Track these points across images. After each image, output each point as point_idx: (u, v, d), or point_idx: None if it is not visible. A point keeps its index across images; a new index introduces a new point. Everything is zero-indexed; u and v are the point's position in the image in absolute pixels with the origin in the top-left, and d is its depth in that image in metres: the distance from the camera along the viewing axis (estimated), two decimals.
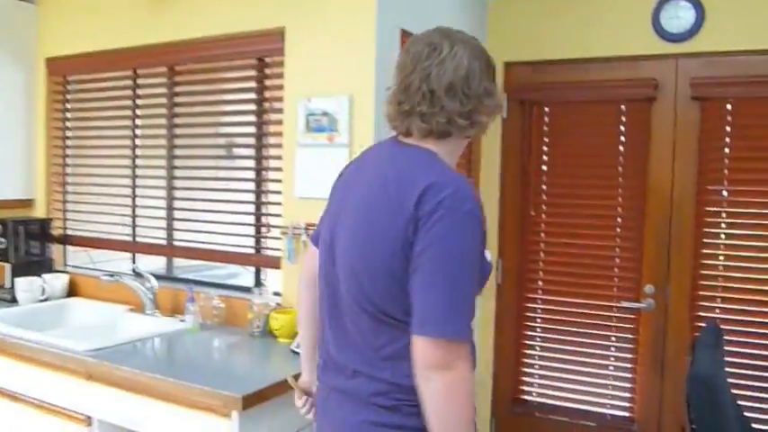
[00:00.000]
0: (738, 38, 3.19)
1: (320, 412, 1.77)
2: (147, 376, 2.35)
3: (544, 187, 3.69)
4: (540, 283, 3.71)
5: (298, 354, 2.38)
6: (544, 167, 3.68)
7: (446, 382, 1.43)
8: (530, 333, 3.75)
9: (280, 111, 3.00)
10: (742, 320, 3.29)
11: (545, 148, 3.67)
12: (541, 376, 3.72)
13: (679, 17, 3.27)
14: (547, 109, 3.65)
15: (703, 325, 3.26)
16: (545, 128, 3.67)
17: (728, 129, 3.30)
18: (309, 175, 2.85)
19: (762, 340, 3.26)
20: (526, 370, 3.78)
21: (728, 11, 3.19)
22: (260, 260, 3.21)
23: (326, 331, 1.72)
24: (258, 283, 3.25)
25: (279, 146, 3.01)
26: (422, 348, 1.45)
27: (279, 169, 3.02)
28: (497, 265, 3.78)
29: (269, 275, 3.23)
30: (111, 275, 3.31)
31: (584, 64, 3.50)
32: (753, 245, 3.26)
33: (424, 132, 1.61)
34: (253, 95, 3.20)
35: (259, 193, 3.22)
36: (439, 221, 1.45)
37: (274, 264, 3.09)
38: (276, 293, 3.04)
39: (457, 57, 1.57)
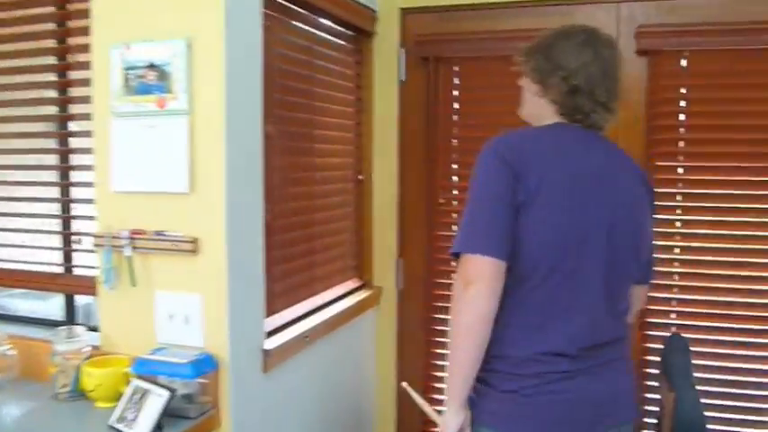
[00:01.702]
0: None
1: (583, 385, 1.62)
2: None
3: (455, 167, 2.91)
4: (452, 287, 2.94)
5: None
6: (455, 142, 2.90)
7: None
8: (440, 351, 2.99)
9: (86, 65, 2.03)
10: (702, 327, 2.67)
11: (455, 118, 2.89)
12: None
13: None
14: (457, 68, 2.86)
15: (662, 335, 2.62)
16: (455, 92, 2.88)
17: (684, 90, 2.64)
18: (132, 159, 1.93)
19: (727, 350, 2.65)
20: (437, 396, 3.01)
21: None
22: (68, 283, 2.25)
23: (602, 315, 1.65)
24: (70, 317, 2.27)
25: (87, 117, 2.04)
26: None
27: (88, 151, 2.05)
28: (396, 266, 2.98)
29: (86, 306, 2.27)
30: None
31: (506, 9, 2.73)
32: (715, 233, 2.63)
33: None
34: (52, 43, 2.21)
35: (64, 186, 2.24)
36: None
37: (86, 288, 2.13)
38: (92, 329, 2.10)
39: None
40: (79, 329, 2.04)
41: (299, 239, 2.43)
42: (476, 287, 1.52)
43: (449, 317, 1.62)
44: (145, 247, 1.92)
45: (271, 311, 2.17)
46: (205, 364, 1.84)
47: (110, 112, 1.94)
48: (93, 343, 2.02)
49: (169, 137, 1.87)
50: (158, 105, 1.88)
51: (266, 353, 2.07)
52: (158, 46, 1.86)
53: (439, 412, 1.71)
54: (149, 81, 1.88)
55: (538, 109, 1.74)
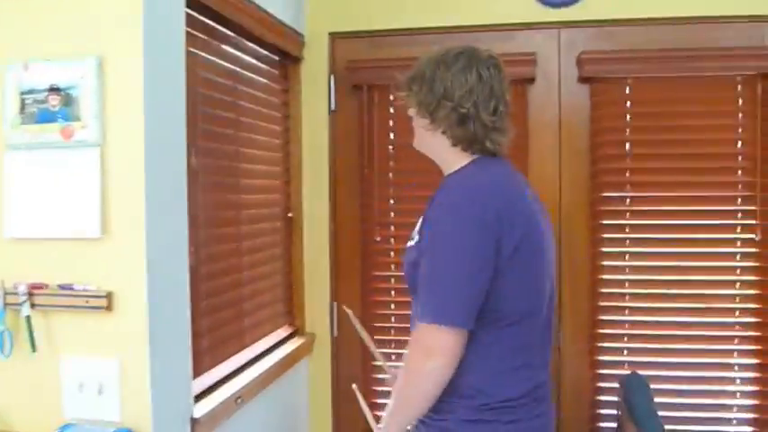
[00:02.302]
0: (632, 3, 2.47)
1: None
2: None
3: (392, 202, 2.71)
4: (393, 331, 2.72)
5: None
6: (391, 175, 2.70)
7: None
8: (380, 401, 2.74)
9: None
10: (657, 363, 2.55)
11: (391, 149, 2.70)
12: None
13: None
14: (392, 97, 2.66)
15: (616, 374, 2.48)
16: (390, 121, 2.69)
17: (628, 118, 2.55)
18: (30, 199, 1.62)
19: (685, 385, 2.54)
20: None
21: None
22: None
23: (539, 361, 1.64)
24: None
25: None
26: None
27: None
28: (331, 311, 2.73)
29: None
30: None
31: (441, 35, 2.56)
32: (665, 265, 2.53)
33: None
34: None
35: None
36: None
37: None
38: None
39: None
40: None
41: (227, 286, 2.15)
42: (441, 360, 1.47)
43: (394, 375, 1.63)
44: (47, 303, 1.60)
45: (198, 371, 1.88)
46: None
47: (3, 143, 1.62)
48: None
49: (77, 172, 1.58)
50: (63, 136, 1.58)
51: (195, 422, 1.77)
52: (63, 65, 1.57)
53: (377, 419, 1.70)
54: (52, 107, 1.59)
55: (430, 141, 1.66)
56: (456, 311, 1.46)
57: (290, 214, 2.66)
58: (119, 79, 1.57)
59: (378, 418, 1.70)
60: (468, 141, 1.61)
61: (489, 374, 1.55)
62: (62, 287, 1.60)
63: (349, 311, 1.81)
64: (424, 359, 1.48)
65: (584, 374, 2.59)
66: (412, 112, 1.68)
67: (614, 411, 2.44)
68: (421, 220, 1.62)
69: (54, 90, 1.59)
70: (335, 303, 2.74)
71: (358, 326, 1.78)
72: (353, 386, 1.80)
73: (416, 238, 1.59)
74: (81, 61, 1.56)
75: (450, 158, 1.64)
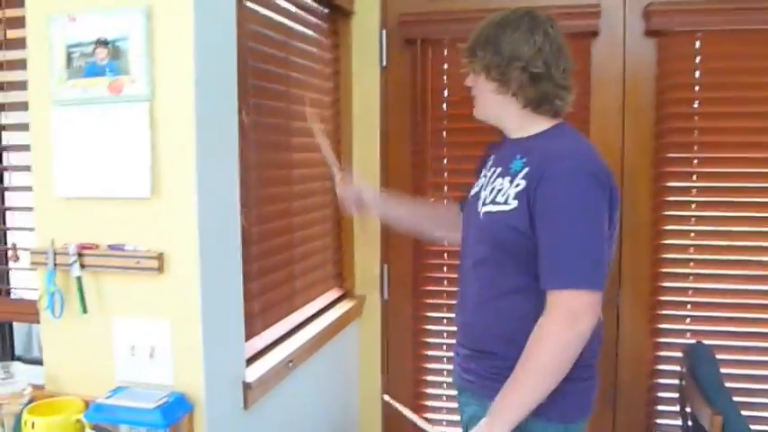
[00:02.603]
0: None
1: None
2: None
3: (446, 162, 2.61)
4: (446, 296, 2.65)
5: None
6: (444, 134, 2.60)
7: None
8: (430, 366, 2.70)
9: (20, 43, 1.66)
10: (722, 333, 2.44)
11: (445, 107, 2.59)
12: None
13: None
14: (447, 52, 2.56)
15: (679, 342, 2.39)
16: (444, 78, 2.58)
17: (697, 74, 2.40)
18: (80, 157, 1.57)
19: (749, 356, 2.43)
20: (431, 416, 2.73)
21: None
22: (2, 309, 1.86)
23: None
24: (7, 350, 1.89)
25: (23, 106, 1.67)
26: None
27: (25, 148, 1.68)
28: (381, 274, 2.68)
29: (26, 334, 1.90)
30: None
31: None
32: (733, 230, 2.40)
33: None
34: None
35: None
36: None
37: (27, 315, 1.76)
38: (34, 362, 1.74)
39: None
40: (18, 366, 1.67)
41: (278, 248, 2.10)
42: (588, 323, 1.46)
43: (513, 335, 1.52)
44: (97, 264, 1.56)
45: (249, 334, 1.84)
46: (177, 407, 1.50)
47: (50, 99, 1.57)
48: (35, 382, 1.66)
49: (126, 129, 1.52)
50: (112, 90, 1.52)
51: (247, 386, 1.74)
52: (110, 17, 1.51)
53: (428, 421, 1.67)
54: (100, 61, 1.53)
55: (498, 107, 1.64)
56: (598, 275, 1.47)
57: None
58: (167, 31, 1.50)
59: (429, 421, 1.67)
60: (539, 101, 1.59)
61: None
62: (112, 248, 1.56)
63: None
64: (571, 325, 1.45)
65: (644, 342, 2.49)
66: (472, 80, 1.67)
67: (675, 381, 2.34)
68: (506, 184, 1.58)
69: (101, 43, 1.53)
70: (386, 265, 2.68)
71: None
72: (385, 397, 1.74)
73: (514, 204, 1.54)
74: (128, 11, 1.50)
75: (522, 121, 1.63)
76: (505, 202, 1.56)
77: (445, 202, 2.04)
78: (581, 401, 1.61)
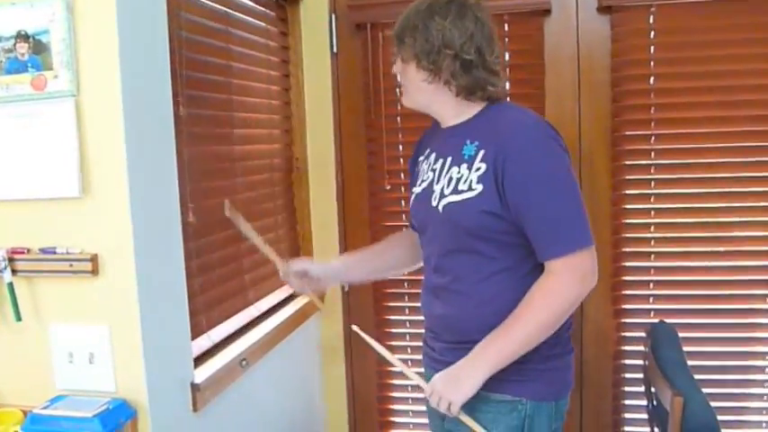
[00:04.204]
0: None
1: None
2: None
3: (401, 148, 2.56)
4: (406, 284, 2.61)
5: None
6: (399, 120, 2.55)
7: None
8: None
9: None
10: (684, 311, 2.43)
11: (399, 92, 2.51)
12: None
13: None
14: None
15: (643, 322, 2.37)
16: None
17: (652, 49, 2.36)
18: (4, 158, 1.50)
19: (711, 333, 2.42)
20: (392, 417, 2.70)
21: None
22: None
23: None
24: None
25: None
26: None
27: None
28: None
29: None
30: None
31: None
32: (692, 206, 2.38)
33: None
34: None
35: None
36: None
37: None
38: None
39: None
40: None
41: (225, 242, 2.03)
42: (595, 278, 1.52)
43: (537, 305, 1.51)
44: (29, 269, 1.50)
45: (196, 333, 1.78)
46: (118, 414, 1.45)
47: None
48: None
49: (52, 127, 1.45)
50: (35, 87, 1.45)
51: (196, 388, 1.68)
52: (30, 8, 1.43)
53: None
54: (21, 56, 1.45)
55: (430, 95, 1.61)
56: (589, 230, 1.51)
57: (296, 164, 2.52)
58: (91, 23, 1.43)
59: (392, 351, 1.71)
60: (472, 89, 1.57)
61: None
62: (44, 251, 1.50)
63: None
64: (581, 284, 1.50)
65: (607, 323, 2.47)
66: (400, 68, 1.63)
67: (640, 362, 2.32)
68: (465, 171, 1.55)
69: (22, 36, 1.45)
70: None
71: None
72: (354, 327, 1.73)
73: (479, 188, 1.51)
74: (49, 3, 1.42)
75: (455, 109, 1.61)
76: (469, 189, 1.52)
77: (404, 230, 1.96)
78: (565, 376, 1.65)
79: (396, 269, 1.99)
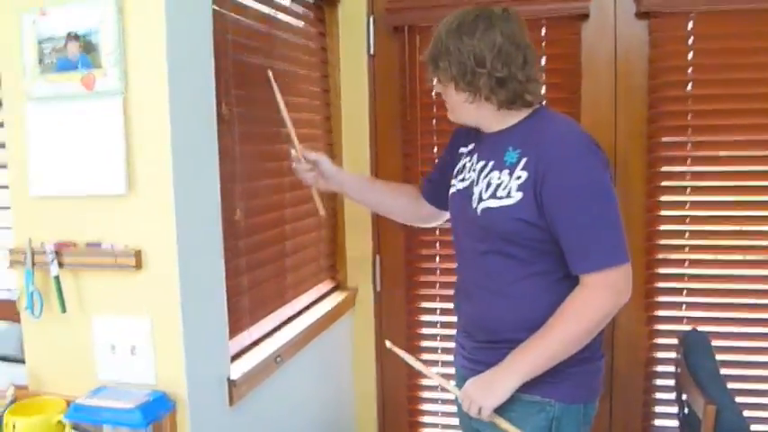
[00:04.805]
0: None
1: None
2: None
3: (436, 151, 2.58)
4: (438, 286, 2.62)
5: None
6: (434, 123, 2.56)
7: None
8: (425, 357, 2.67)
9: None
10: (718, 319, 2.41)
11: (434, 95, 2.52)
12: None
13: None
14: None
15: (675, 329, 2.35)
16: None
17: (690, 56, 2.35)
18: (55, 154, 1.54)
19: (744, 342, 2.40)
20: (421, 418, 2.71)
21: None
22: None
23: None
24: None
25: None
26: None
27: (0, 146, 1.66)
28: (374, 265, 2.64)
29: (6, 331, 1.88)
30: None
31: None
32: (728, 215, 2.36)
33: None
34: None
35: None
36: None
37: (6, 315, 1.74)
38: (15, 359, 1.72)
39: None
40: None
41: (269, 241, 2.06)
42: (629, 294, 1.56)
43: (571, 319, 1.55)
44: (76, 263, 1.54)
45: (235, 330, 1.81)
46: (158, 406, 1.48)
47: (23, 96, 1.54)
48: (17, 382, 1.63)
49: (100, 124, 1.49)
50: (85, 85, 1.49)
51: (232, 383, 1.71)
52: (81, 9, 1.47)
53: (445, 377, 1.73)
54: (72, 55, 1.50)
55: (474, 112, 1.65)
56: (625, 247, 1.54)
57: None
58: (139, 24, 1.46)
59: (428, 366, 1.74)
60: (512, 100, 1.60)
61: None
62: (90, 246, 1.54)
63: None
64: (614, 300, 1.53)
65: (639, 330, 2.46)
66: (440, 88, 1.68)
67: (672, 369, 2.31)
68: (506, 177, 1.58)
69: (73, 37, 1.49)
70: (378, 256, 2.65)
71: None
72: (387, 343, 1.75)
73: (518, 196, 1.55)
74: (99, 5, 1.46)
75: (499, 118, 1.65)
76: (508, 196, 1.56)
77: (415, 187, 2.05)
78: (595, 381, 1.68)
79: (389, 214, 2.11)
